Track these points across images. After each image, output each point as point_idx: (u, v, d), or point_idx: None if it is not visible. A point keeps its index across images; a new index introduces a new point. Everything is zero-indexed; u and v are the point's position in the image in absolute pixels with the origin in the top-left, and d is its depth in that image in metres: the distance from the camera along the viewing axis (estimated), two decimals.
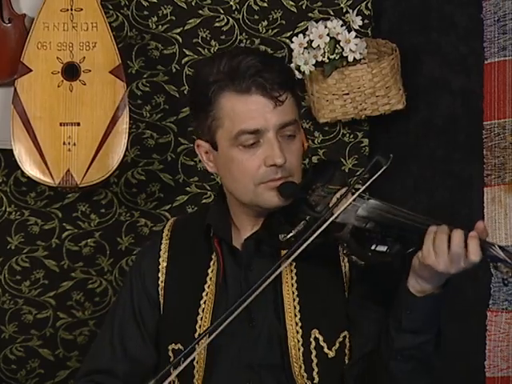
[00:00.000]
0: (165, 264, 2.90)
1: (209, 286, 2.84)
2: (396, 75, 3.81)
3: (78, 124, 3.72)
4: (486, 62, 3.74)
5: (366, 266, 2.70)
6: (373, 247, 2.67)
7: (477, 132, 3.72)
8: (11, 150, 3.73)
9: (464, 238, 2.52)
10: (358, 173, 2.84)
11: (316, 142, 3.91)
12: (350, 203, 2.71)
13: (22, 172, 3.75)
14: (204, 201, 3.91)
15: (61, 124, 3.71)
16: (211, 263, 2.85)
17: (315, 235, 2.67)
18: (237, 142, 2.74)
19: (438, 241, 2.55)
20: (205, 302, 2.83)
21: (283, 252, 2.76)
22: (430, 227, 2.58)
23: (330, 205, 2.73)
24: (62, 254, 3.87)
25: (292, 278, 2.78)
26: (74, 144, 3.71)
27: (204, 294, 2.84)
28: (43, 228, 3.87)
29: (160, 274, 2.89)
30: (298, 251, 2.67)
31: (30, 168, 3.72)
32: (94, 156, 3.72)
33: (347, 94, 3.79)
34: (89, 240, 3.89)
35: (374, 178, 2.73)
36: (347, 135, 3.90)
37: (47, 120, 3.72)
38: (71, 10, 3.73)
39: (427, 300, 2.62)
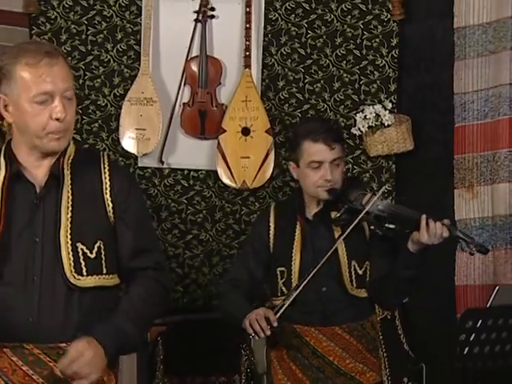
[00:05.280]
0: (273, 226, 2.87)
1: (298, 239, 2.83)
2: (409, 132, 3.76)
3: (249, 157, 3.77)
4: (455, 126, 3.67)
5: (382, 236, 2.74)
6: (386, 225, 2.69)
7: (451, 161, 3.66)
8: (216, 171, 3.78)
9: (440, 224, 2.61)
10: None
11: (367, 167, 3.84)
12: (375, 201, 2.71)
13: (222, 181, 3.79)
14: None
15: (240, 157, 3.77)
16: (297, 226, 2.84)
17: (359, 217, 2.70)
18: (310, 165, 2.78)
19: (431, 230, 2.59)
20: (295, 245, 2.82)
21: (334, 217, 2.76)
22: (422, 220, 2.59)
23: (363, 201, 2.74)
24: (241, 222, 3.86)
25: (342, 241, 2.75)
26: (247, 167, 3.77)
27: (295, 241, 2.83)
28: (232, 209, 3.87)
29: (270, 230, 2.87)
30: (351, 227, 2.70)
31: (225, 179, 3.79)
32: (257, 173, 3.77)
33: (384, 141, 3.76)
34: (254, 215, 3.83)
35: (383, 188, 2.86)
36: (384, 163, 3.83)
37: (234, 156, 3.76)
38: (246, 101, 3.77)
39: (417, 254, 2.66)
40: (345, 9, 3.85)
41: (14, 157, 2.10)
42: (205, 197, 3.90)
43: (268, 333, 2.62)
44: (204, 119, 3.82)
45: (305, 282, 2.68)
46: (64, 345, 2.02)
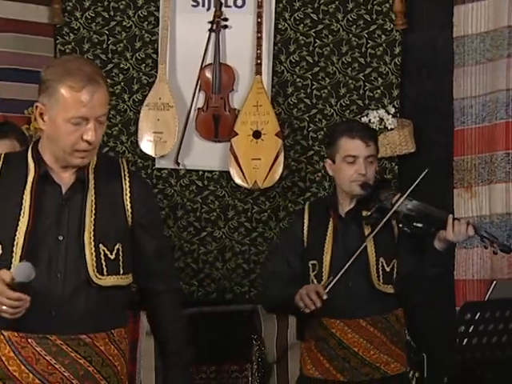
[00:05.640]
0: (306, 222, 2.87)
1: (329, 235, 2.81)
2: (411, 135, 3.76)
3: (260, 159, 3.77)
4: (455, 129, 3.67)
5: (410, 233, 2.73)
6: (414, 224, 2.68)
7: (451, 163, 3.68)
8: (229, 172, 3.80)
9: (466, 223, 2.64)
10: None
11: None
12: (403, 201, 2.70)
13: (234, 182, 3.80)
14: (319, 195, 3.85)
15: (252, 159, 3.77)
16: (330, 224, 2.83)
17: (389, 215, 2.69)
18: (345, 159, 2.78)
19: (456, 228, 2.62)
20: (327, 241, 2.80)
21: (365, 215, 2.76)
22: (449, 219, 2.62)
23: (393, 201, 2.72)
24: (252, 220, 3.87)
25: (372, 238, 2.75)
26: (258, 168, 3.77)
27: (327, 237, 2.81)
28: (244, 207, 3.88)
29: (304, 226, 2.86)
30: (380, 225, 2.70)
31: (237, 179, 3.80)
32: (267, 174, 3.77)
33: (387, 144, 3.74)
34: (265, 213, 3.86)
35: (413, 185, 2.71)
36: (387, 164, 3.83)
37: (245, 157, 3.77)
38: (257, 106, 3.78)
39: (443, 252, 2.69)
40: (350, 19, 3.87)
41: (42, 158, 2.12)
42: (218, 196, 3.92)
43: (318, 305, 2.61)
44: (217, 123, 3.83)
45: (349, 263, 2.66)
46: (84, 336, 2.07)
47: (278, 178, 3.80)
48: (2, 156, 2.14)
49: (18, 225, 2.05)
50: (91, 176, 2.12)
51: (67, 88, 2.01)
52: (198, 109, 3.83)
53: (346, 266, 2.66)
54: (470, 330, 2.51)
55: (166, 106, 3.76)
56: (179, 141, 3.80)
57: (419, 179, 2.69)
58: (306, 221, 2.88)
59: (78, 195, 2.11)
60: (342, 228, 2.83)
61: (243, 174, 3.79)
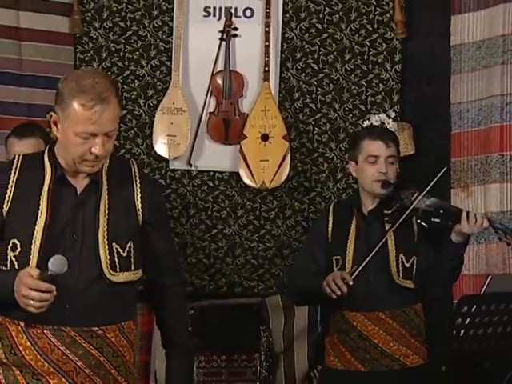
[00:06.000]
0: (331, 221, 2.88)
1: (352, 232, 2.82)
2: (410, 138, 3.76)
3: (268, 160, 3.76)
4: (452, 132, 3.68)
5: (428, 228, 2.74)
6: (432, 219, 2.72)
7: (448, 164, 3.61)
8: (238, 173, 3.80)
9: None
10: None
11: None
12: (421, 198, 2.73)
13: (243, 182, 3.80)
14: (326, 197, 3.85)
15: (260, 160, 3.77)
16: (353, 222, 2.84)
17: (408, 212, 2.71)
18: (367, 160, 2.80)
19: (471, 220, 2.64)
20: (350, 237, 2.81)
21: (386, 213, 2.78)
22: (463, 213, 2.66)
23: (412, 199, 2.74)
24: (261, 218, 3.88)
25: (392, 235, 2.77)
26: (266, 169, 3.77)
27: (350, 234, 2.81)
28: (252, 206, 3.88)
29: (329, 224, 2.87)
30: (400, 220, 2.72)
31: (246, 180, 3.80)
32: (275, 175, 3.76)
33: None
34: (272, 212, 3.86)
35: (432, 183, 2.75)
36: None
37: (254, 159, 3.77)
38: (265, 110, 3.77)
39: (460, 244, 2.71)
40: (353, 28, 3.89)
41: (58, 161, 2.15)
42: (228, 196, 3.93)
43: (345, 290, 2.62)
44: (228, 127, 3.84)
45: (372, 254, 2.67)
46: (96, 328, 2.10)
47: (284, 178, 3.80)
48: (20, 158, 2.17)
49: (35, 224, 2.07)
50: (104, 178, 2.14)
51: (78, 105, 2.02)
52: (210, 113, 3.84)
53: (370, 256, 2.66)
54: (467, 322, 2.51)
55: (179, 110, 3.78)
56: (191, 143, 3.81)
57: (437, 177, 2.71)
58: (330, 219, 2.88)
59: (92, 196, 2.13)
60: (365, 226, 2.82)
61: (252, 174, 3.80)
